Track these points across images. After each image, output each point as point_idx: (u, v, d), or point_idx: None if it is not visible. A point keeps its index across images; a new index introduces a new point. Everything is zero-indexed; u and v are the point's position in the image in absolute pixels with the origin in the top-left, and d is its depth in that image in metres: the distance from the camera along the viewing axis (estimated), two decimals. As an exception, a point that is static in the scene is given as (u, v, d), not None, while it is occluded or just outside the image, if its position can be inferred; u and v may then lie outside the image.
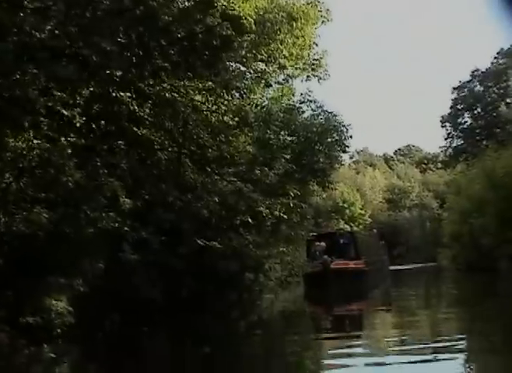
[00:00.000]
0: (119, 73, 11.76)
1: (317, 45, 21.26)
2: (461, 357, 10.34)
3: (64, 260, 15.47)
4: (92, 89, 12.44)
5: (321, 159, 22.02)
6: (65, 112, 12.81)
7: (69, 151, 14.21)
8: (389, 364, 10.13)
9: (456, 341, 12.00)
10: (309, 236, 30.62)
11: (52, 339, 13.81)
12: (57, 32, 11.16)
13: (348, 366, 10.45)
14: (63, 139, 13.67)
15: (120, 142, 14.20)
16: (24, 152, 14.50)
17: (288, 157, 20.18)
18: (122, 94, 13.09)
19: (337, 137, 22.31)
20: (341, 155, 24.79)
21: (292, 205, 21.09)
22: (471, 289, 29.55)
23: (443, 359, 10.08)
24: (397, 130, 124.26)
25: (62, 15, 11.16)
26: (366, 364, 10.37)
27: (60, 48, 11.27)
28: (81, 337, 14.35)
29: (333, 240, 31.11)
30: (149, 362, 12.83)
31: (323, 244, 29.76)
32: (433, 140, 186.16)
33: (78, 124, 13.13)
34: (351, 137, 22.90)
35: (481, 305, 20.13)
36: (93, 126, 13.65)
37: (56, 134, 13.45)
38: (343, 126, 22.40)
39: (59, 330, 14.22)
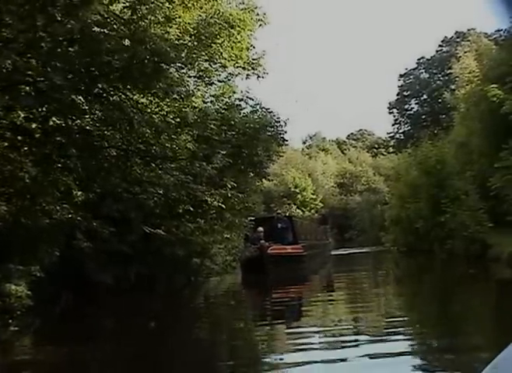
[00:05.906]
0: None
1: (254, 47, 22.25)
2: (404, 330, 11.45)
3: (23, 249, 17.09)
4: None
5: (259, 152, 23.12)
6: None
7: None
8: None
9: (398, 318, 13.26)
10: (248, 222, 29.92)
11: (13, 321, 15.29)
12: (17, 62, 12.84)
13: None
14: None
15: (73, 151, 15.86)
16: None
17: (226, 152, 21.32)
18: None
19: (273, 133, 23.52)
20: (280, 148, 26.03)
21: (229, 195, 22.56)
22: (408, 269, 31.77)
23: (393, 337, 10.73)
24: (350, 116, 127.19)
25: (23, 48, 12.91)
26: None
27: (20, 80, 13.07)
28: (38, 315, 15.88)
29: (271, 225, 30.71)
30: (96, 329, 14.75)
31: (260, 229, 29.30)
32: (385, 124, 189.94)
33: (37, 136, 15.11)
34: (286, 132, 24.04)
35: (415, 282, 21.85)
36: (50, 138, 15.39)
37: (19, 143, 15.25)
38: (278, 122, 23.63)
39: (19, 312, 15.76)
